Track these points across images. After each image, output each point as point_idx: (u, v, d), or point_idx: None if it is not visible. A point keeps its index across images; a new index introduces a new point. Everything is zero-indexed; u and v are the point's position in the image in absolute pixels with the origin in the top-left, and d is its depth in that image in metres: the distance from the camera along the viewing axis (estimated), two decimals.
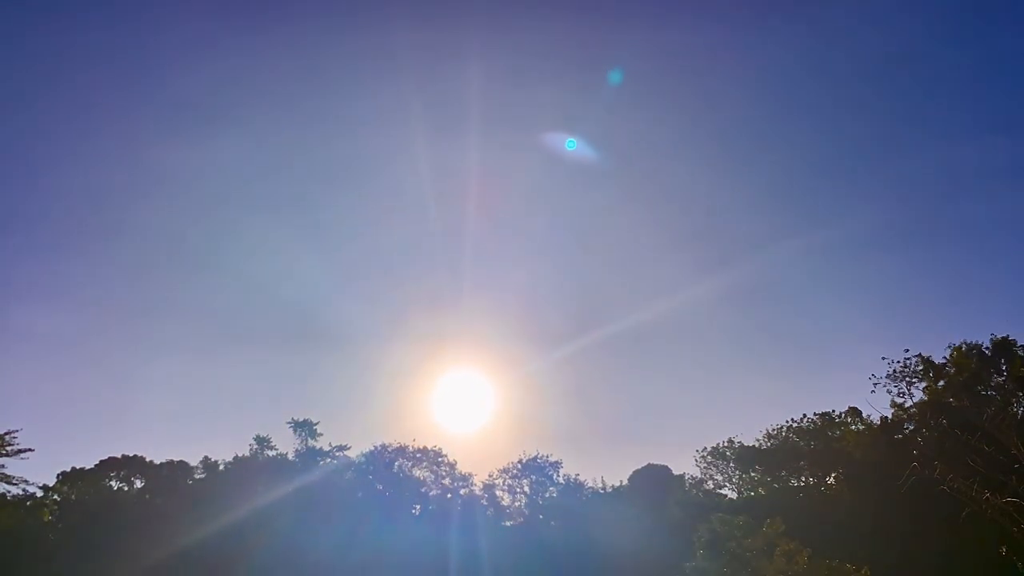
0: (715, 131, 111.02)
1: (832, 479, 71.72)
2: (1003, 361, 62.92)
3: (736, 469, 77.47)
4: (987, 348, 63.37)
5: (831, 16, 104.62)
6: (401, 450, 73.21)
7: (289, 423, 71.47)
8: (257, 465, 69.90)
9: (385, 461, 72.79)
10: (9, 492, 50.74)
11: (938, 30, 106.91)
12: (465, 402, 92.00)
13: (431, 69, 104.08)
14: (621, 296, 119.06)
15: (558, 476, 73.66)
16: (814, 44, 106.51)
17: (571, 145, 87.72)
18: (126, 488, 78.74)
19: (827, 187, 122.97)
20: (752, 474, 76.28)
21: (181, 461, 78.94)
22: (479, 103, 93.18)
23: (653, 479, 77.31)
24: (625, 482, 77.22)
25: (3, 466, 45.35)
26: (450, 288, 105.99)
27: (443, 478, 73.29)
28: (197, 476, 76.00)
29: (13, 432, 44.91)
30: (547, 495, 73.11)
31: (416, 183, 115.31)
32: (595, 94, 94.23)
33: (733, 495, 76.18)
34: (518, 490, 74.09)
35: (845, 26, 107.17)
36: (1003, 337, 63.15)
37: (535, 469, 73.59)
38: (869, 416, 68.64)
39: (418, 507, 71.64)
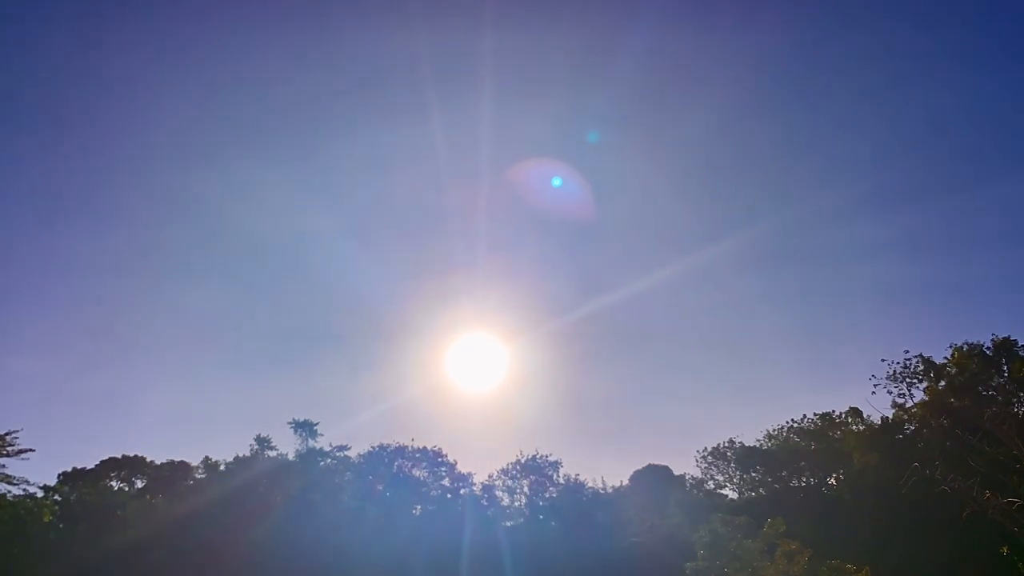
0: (716, 116, 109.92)
1: (833, 480, 71.73)
2: (1004, 361, 62.96)
3: (737, 469, 77.52)
4: (988, 348, 63.41)
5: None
6: (401, 450, 73.14)
7: (290, 423, 71.41)
8: (258, 465, 69.76)
9: (385, 461, 72.73)
10: (10, 492, 50.78)
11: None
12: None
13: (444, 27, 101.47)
14: (620, 292, 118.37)
15: (558, 476, 73.47)
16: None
17: (557, 182, 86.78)
18: (126, 488, 78.88)
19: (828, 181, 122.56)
20: (753, 474, 76.31)
21: (181, 461, 79.16)
22: (492, 70, 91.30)
23: (653, 479, 77.30)
24: (625, 482, 77.14)
25: (4, 466, 45.46)
26: (457, 274, 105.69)
27: (443, 478, 73.21)
28: (197, 476, 76.01)
29: (14, 432, 44.98)
30: (547, 495, 72.91)
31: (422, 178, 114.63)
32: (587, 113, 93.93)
33: (734, 495, 76.24)
34: (518, 490, 73.94)
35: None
36: (1004, 337, 63.19)
37: (535, 469, 73.40)
38: (870, 416, 68.63)
39: (418, 507, 71.51)
